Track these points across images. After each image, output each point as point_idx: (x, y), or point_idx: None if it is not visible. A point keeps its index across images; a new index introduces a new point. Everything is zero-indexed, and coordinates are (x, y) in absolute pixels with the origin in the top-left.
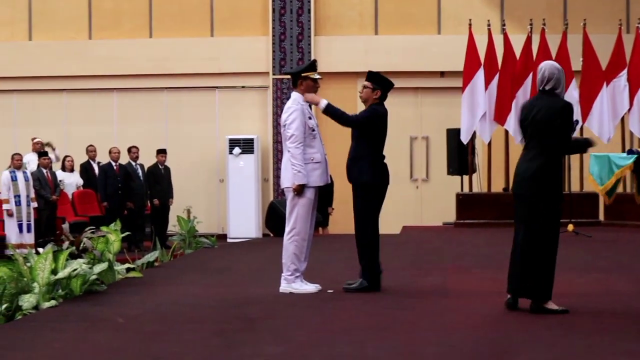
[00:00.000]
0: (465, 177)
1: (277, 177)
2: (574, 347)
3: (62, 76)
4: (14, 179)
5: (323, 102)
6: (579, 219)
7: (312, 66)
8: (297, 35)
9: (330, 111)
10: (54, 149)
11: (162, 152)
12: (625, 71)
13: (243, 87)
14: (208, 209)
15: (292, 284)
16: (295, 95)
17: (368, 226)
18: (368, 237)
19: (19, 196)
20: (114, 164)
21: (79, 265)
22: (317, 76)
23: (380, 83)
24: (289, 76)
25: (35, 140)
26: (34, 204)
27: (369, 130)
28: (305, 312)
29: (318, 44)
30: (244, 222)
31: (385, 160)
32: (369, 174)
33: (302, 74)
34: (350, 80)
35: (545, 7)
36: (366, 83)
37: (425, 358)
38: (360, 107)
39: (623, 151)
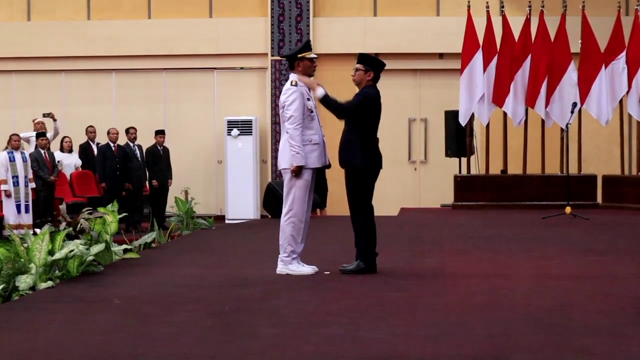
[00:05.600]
0: (463, 159)
1: (275, 158)
2: (570, 329)
3: (61, 57)
4: (11, 160)
5: (320, 91)
6: (576, 202)
7: (307, 46)
8: (295, 16)
9: (326, 101)
10: (55, 120)
11: (160, 133)
12: (624, 53)
13: (242, 68)
14: (206, 190)
15: (289, 266)
16: (293, 77)
17: (361, 209)
18: (362, 220)
19: (16, 177)
20: (112, 144)
21: (76, 246)
22: (314, 55)
23: (372, 64)
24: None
25: (36, 121)
26: (32, 185)
27: (361, 114)
28: (302, 294)
29: (317, 25)
30: (241, 204)
31: (380, 143)
32: (360, 158)
33: (299, 55)
34: (349, 62)
35: None
36: (358, 65)
37: (421, 340)
38: (355, 90)
39: (621, 134)
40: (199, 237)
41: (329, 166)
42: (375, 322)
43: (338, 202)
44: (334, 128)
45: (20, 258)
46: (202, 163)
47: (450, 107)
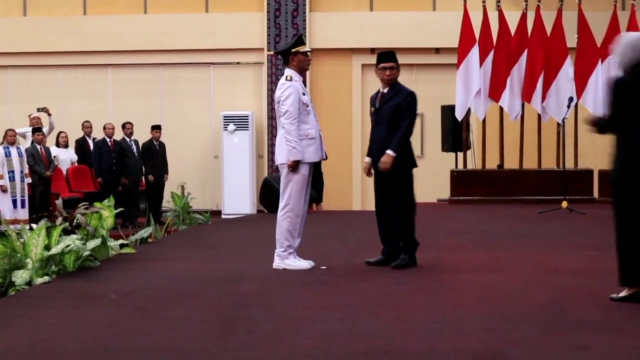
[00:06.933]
0: (460, 154)
1: (271, 153)
2: (566, 323)
3: (57, 52)
4: (7, 155)
5: (392, 154)
6: (572, 196)
7: (300, 40)
8: (292, 11)
9: (400, 145)
10: (49, 115)
11: (157, 128)
12: None
13: (238, 63)
14: (202, 185)
15: (286, 260)
16: (288, 72)
17: (410, 207)
18: (410, 216)
19: (12, 172)
20: (108, 140)
21: (72, 241)
22: (307, 49)
23: (397, 61)
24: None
25: (31, 116)
26: (28, 180)
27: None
28: (298, 289)
29: (313, 20)
30: (238, 199)
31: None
32: (413, 158)
33: (292, 50)
34: (346, 57)
35: None
36: (390, 64)
37: (418, 334)
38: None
39: None
40: (195, 232)
41: (324, 158)
42: (371, 316)
43: (334, 197)
44: (329, 123)
45: (16, 253)
46: (198, 158)
47: (447, 101)
